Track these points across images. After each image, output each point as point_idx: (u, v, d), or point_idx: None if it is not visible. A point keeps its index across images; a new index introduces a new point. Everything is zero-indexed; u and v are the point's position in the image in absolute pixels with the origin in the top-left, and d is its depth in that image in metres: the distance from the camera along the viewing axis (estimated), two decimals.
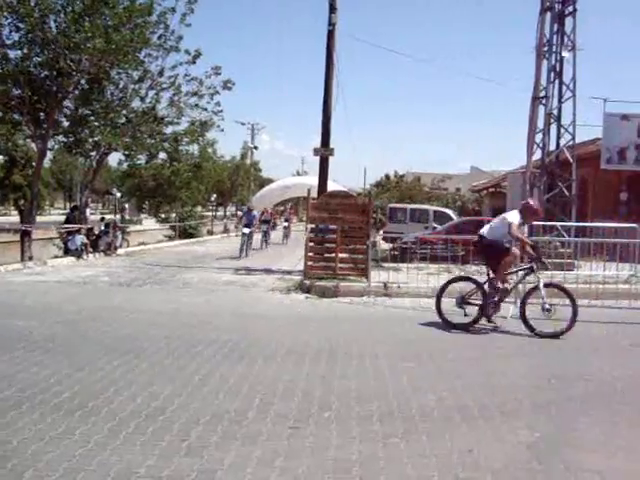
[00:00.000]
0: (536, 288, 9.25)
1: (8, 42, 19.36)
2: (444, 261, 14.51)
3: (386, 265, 14.90)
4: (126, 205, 60.11)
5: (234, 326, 9.08)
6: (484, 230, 9.80)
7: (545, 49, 17.29)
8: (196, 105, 22.61)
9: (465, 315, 9.30)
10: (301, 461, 4.18)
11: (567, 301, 9.11)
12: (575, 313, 8.89)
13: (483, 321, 9.33)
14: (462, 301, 9.41)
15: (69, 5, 19.14)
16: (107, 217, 34.62)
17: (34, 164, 25.58)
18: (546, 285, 9.34)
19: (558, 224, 16.11)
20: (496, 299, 9.38)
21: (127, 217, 52.42)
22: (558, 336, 8.70)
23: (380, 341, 8.32)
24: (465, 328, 9.15)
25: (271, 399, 5.50)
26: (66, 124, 21.91)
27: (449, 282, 9.96)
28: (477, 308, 9.32)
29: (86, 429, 4.64)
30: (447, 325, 9.26)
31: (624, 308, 11.18)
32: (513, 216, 9.48)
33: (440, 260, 14.40)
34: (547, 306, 9.08)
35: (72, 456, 4.14)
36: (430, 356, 7.45)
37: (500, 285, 9.37)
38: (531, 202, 10.06)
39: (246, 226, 23.08)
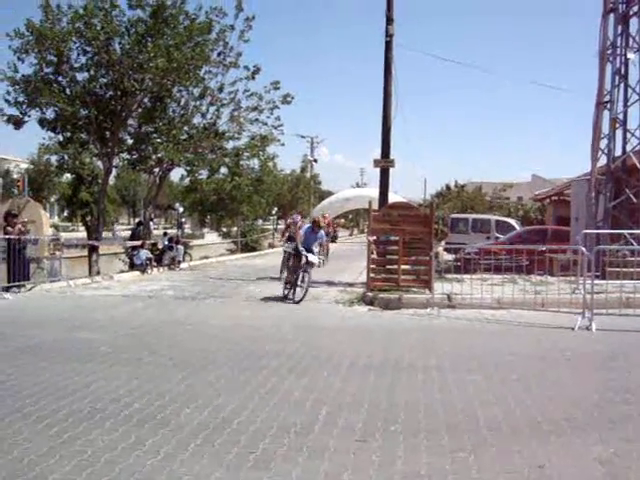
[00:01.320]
0: None
1: (76, 65, 20.16)
2: (508, 271, 14.27)
3: (449, 276, 14.73)
4: (183, 220, 61.08)
5: (298, 339, 9.10)
6: None
7: (609, 52, 16.84)
8: (256, 120, 22.92)
9: None
10: (368, 475, 4.16)
11: None
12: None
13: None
14: None
15: (133, 27, 19.84)
16: (169, 232, 35.29)
17: (100, 181, 26.30)
18: None
19: (626, 232, 15.64)
20: None
21: (186, 231, 53.25)
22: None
23: (445, 353, 8.22)
24: None
25: (337, 412, 5.48)
26: (130, 142, 22.59)
27: None
28: None
29: (156, 440, 4.72)
30: None
31: None
32: None
33: (504, 271, 14.16)
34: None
35: (143, 466, 4.22)
36: (496, 368, 7.32)
37: None
38: None
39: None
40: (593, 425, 5.27)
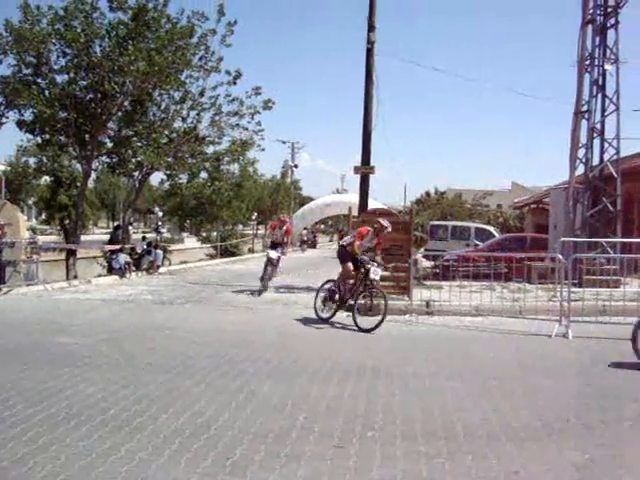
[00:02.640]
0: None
1: (56, 67, 20.00)
2: (487, 279, 14.36)
3: (428, 283, 14.80)
4: (160, 224, 60.65)
5: (276, 344, 9.10)
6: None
7: (587, 62, 17.06)
8: (237, 125, 22.91)
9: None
10: None
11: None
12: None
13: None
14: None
15: (114, 30, 19.73)
16: (148, 236, 35.08)
17: (79, 184, 26.10)
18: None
19: (603, 240, 15.82)
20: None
21: (165, 236, 52.84)
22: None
23: (423, 360, 8.26)
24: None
25: (315, 418, 5.48)
26: (110, 145, 22.45)
27: None
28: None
29: (132, 446, 4.68)
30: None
31: None
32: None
33: (483, 278, 14.25)
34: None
35: (118, 472, 4.18)
36: (474, 375, 7.36)
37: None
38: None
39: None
40: (569, 431, 5.33)
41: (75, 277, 19.56)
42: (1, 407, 5.57)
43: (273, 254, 15.87)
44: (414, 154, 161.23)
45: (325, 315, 11.47)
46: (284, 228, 16.53)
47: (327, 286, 11.90)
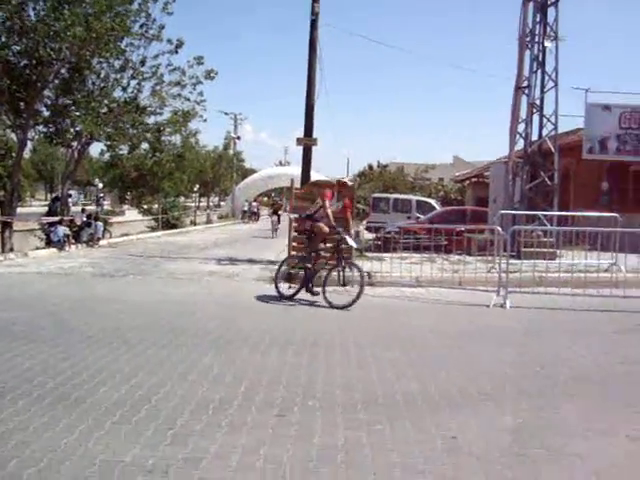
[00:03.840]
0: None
1: None
2: (427, 251, 14.59)
3: (369, 255, 14.93)
4: (102, 195, 59.50)
5: (218, 316, 9.06)
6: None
7: (528, 39, 17.32)
8: (178, 95, 22.49)
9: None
10: (286, 449, 4.19)
11: None
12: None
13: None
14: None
15: None
16: (88, 208, 34.34)
17: (14, 154, 25.26)
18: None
19: (540, 213, 16.23)
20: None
21: (105, 208, 51.87)
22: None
23: (364, 330, 8.37)
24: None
25: (256, 388, 5.50)
26: (47, 114, 21.69)
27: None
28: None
29: (71, 419, 4.62)
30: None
31: (606, 296, 11.28)
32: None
33: (423, 250, 14.46)
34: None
35: (57, 446, 4.12)
36: (414, 344, 7.50)
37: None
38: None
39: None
40: (504, 397, 5.49)
41: (11, 250, 19.00)
42: None
43: (351, 241, 11.11)
44: (358, 127, 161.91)
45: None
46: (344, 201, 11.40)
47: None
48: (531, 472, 3.99)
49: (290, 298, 10.64)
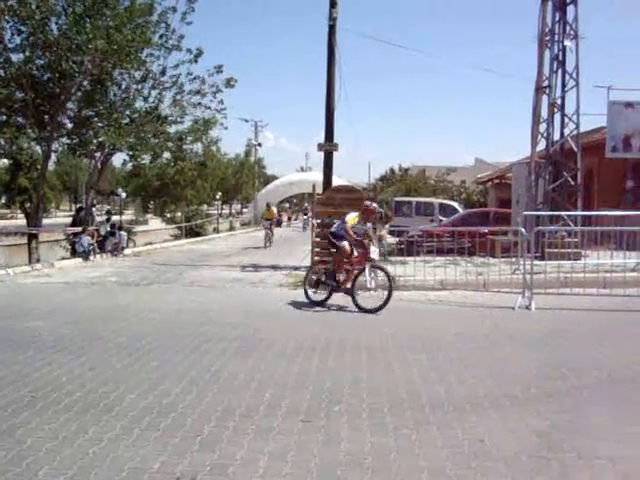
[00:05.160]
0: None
1: (10, 45, 19.46)
2: (451, 253, 14.53)
3: (392, 259, 14.90)
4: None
5: (243, 323, 9.09)
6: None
7: (547, 38, 17.18)
8: (199, 103, 22.61)
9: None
10: (313, 454, 4.20)
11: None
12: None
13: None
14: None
15: (70, 7, 19.19)
16: (112, 218, 34.63)
17: (39, 167, 25.59)
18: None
19: (564, 214, 16.08)
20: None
21: (126, 218, 52.11)
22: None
23: (389, 334, 8.34)
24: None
25: (282, 394, 5.52)
26: (70, 126, 21.98)
27: None
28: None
29: (99, 427, 4.67)
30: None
31: (632, 296, 11.14)
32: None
33: (447, 253, 14.40)
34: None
35: (85, 454, 4.17)
36: (439, 347, 7.46)
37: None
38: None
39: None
40: (531, 399, 5.45)
41: (38, 261, 19.24)
42: None
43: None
44: (378, 132, 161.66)
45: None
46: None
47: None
48: (561, 476, 3.94)
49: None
